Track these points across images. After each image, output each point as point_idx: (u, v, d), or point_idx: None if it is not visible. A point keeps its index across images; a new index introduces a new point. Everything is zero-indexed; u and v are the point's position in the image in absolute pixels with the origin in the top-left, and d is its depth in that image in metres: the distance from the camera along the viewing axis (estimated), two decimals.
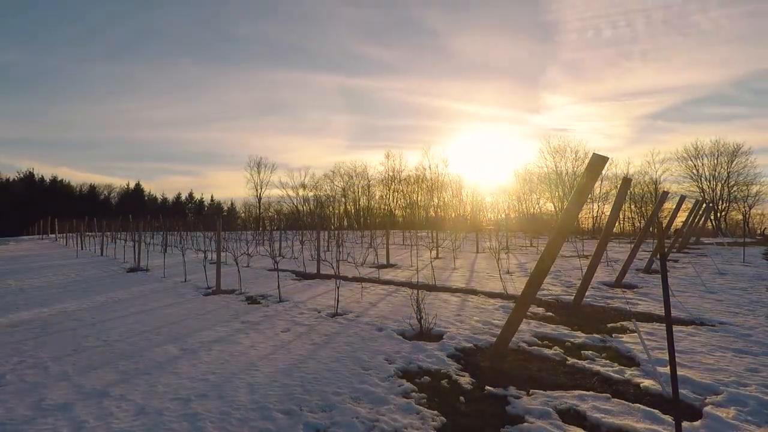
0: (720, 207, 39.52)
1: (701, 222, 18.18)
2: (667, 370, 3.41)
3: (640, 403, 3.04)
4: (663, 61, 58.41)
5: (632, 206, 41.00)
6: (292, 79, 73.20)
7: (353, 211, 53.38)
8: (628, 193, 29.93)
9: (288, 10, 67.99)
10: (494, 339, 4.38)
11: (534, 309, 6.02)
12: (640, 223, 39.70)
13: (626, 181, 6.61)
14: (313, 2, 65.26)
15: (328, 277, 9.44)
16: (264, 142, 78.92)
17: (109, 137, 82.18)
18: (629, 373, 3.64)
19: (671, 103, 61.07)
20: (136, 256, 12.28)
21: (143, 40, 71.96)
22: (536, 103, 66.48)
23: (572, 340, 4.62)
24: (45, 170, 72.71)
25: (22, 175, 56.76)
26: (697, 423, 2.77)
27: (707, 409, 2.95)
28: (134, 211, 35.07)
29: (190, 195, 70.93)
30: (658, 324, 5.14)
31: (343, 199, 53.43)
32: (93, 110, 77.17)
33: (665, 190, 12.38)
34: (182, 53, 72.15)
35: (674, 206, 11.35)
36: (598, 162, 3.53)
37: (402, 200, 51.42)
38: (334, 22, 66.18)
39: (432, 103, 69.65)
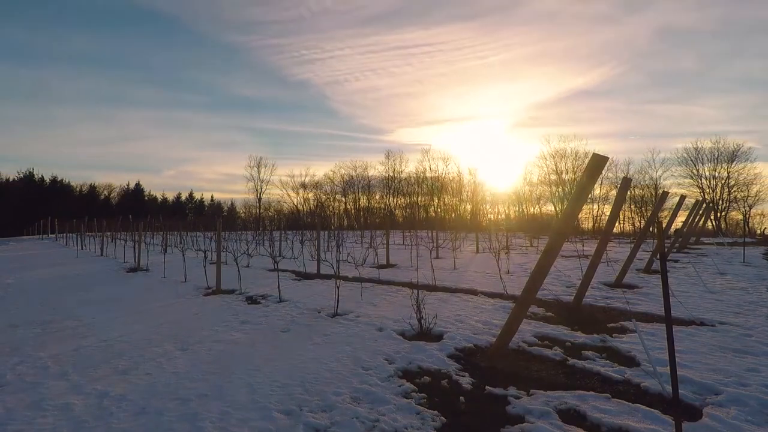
0: (720, 207, 39.53)
1: (701, 222, 18.18)
2: (667, 370, 3.40)
3: (640, 403, 3.04)
4: None
5: (632, 206, 41.01)
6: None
7: (353, 211, 53.39)
8: (628, 193, 29.92)
9: None
10: (494, 339, 4.38)
11: (534, 309, 6.01)
12: (640, 223, 39.71)
13: (626, 181, 6.61)
14: None
15: (328, 277, 9.44)
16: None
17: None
18: (629, 373, 3.64)
19: None
20: (136, 256, 12.28)
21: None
22: None
23: (572, 340, 4.62)
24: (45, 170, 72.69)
25: (22, 175, 56.84)
26: (697, 423, 2.77)
27: (707, 409, 2.96)
28: (134, 211, 35.12)
29: (190, 195, 71.06)
30: (658, 324, 5.14)
31: (343, 199, 53.46)
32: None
33: (665, 190, 12.40)
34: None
35: (674, 206, 11.35)
36: (598, 162, 3.53)
37: (402, 200, 51.45)
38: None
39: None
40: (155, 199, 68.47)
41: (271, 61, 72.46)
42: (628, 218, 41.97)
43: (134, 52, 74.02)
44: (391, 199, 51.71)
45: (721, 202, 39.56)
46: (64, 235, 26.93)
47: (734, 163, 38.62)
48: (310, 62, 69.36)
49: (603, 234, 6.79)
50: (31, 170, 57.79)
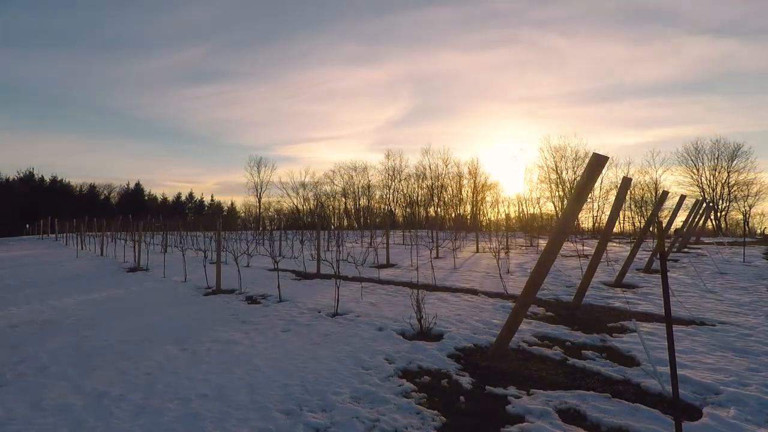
0: (720, 207, 39.53)
1: (701, 222, 18.17)
2: (667, 369, 3.40)
3: (640, 403, 3.04)
4: None
5: (632, 206, 40.99)
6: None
7: (353, 210, 53.37)
8: (628, 193, 29.92)
9: None
10: (494, 339, 4.38)
11: (534, 309, 6.02)
12: (640, 223, 39.69)
13: (626, 180, 6.60)
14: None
15: (328, 276, 9.44)
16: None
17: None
18: (629, 372, 3.64)
19: None
20: (136, 256, 12.28)
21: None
22: None
23: (572, 339, 4.62)
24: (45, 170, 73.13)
25: (22, 175, 56.83)
26: (697, 423, 2.77)
27: (707, 409, 2.96)
28: (134, 211, 35.13)
29: (190, 195, 71.07)
30: (658, 324, 5.14)
31: (343, 199, 53.42)
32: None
33: (665, 189, 12.38)
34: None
35: (674, 206, 11.35)
36: (598, 162, 3.53)
37: (402, 200, 51.42)
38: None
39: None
40: (155, 198, 68.48)
41: None
42: (628, 218, 41.96)
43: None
44: (391, 198, 51.72)
45: (721, 201, 39.56)
46: (64, 234, 26.92)
47: (734, 162, 38.66)
48: None
49: (603, 234, 6.79)
50: (31, 170, 57.87)
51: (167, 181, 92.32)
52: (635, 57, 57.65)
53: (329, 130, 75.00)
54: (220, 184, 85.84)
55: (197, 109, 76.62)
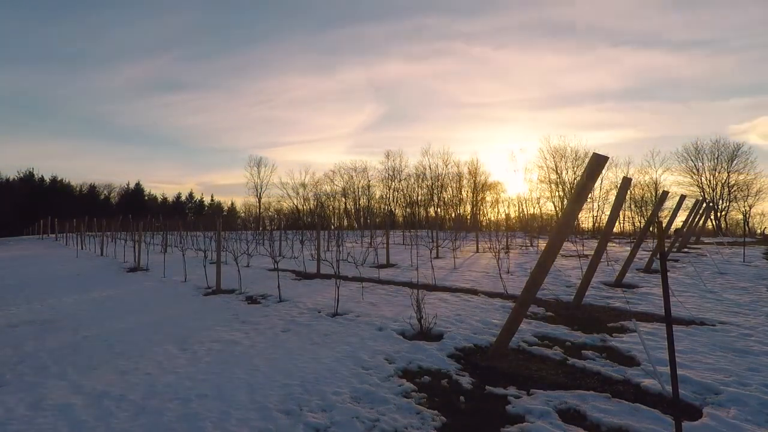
0: (720, 207, 39.52)
1: (701, 222, 18.18)
2: (667, 369, 3.40)
3: (640, 403, 3.04)
4: None
5: (632, 206, 40.98)
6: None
7: (353, 210, 53.35)
8: (628, 193, 29.91)
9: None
10: (494, 339, 4.38)
11: (534, 309, 6.01)
12: (640, 223, 39.68)
13: (626, 180, 6.60)
14: None
15: (328, 276, 9.44)
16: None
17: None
18: (629, 373, 3.64)
19: None
20: (136, 256, 12.28)
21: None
22: None
23: (572, 339, 4.62)
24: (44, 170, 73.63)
25: (22, 175, 56.82)
26: (697, 423, 2.77)
27: (707, 409, 2.96)
28: (134, 211, 35.11)
29: (190, 195, 71.02)
30: (658, 324, 5.14)
31: (343, 199, 53.39)
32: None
33: (665, 189, 12.39)
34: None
35: (674, 206, 11.35)
36: (598, 162, 3.53)
37: (402, 200, 51.40)
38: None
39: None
40: (155, 198, 68.47)
41: None
42: (628, 218, 41.95)
43: None
44: (391, 198, 51.70)
45: (721, 201, 39.56)
46: (64, 234, 26.92)
47: (734, 162, 38.66)
48: None
49: (603, 234, 6.79)
50: (31, 170, 57.87)
51: (150, 182, 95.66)
52: (569, 66, 61.67)
53: (300, 135, 78.44)
54: (201, 184, 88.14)
55: (169, 115, 79.84)
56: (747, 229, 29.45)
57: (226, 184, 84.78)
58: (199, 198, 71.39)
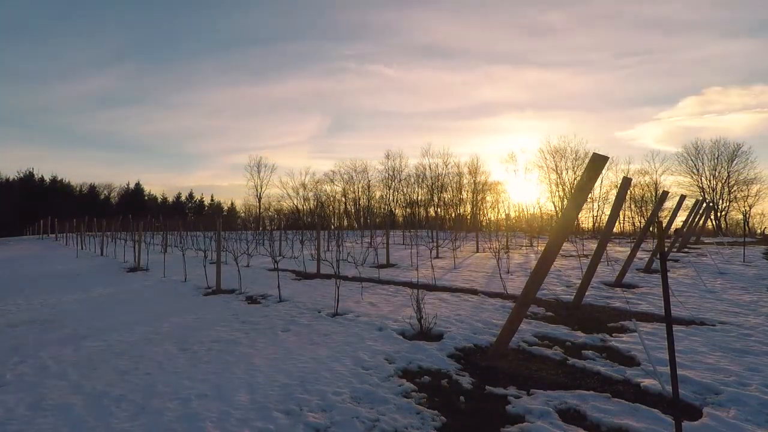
0: (720, 207, 39.52)
1: (701, 222, 18.17)
2: (667, 369, 3.40)
3: (640, 403, 3.04)
4: None
5: (632, 206, 40.99)
6: None
7: (353, 210, 53.34)
8: (628, 193, 29.88)
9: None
10: (494, 339, 4.38)
11: (534, 309, 6.01)
12: (640, 223, 39.68)
13: (626, 180, 6.60)
14: None
15: (328, 276, 9.44)
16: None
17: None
18: (629, 373, 3.64)
19: None
20: (136, 256, 12.28)
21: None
22: None
23: (572, 339, 4.62)
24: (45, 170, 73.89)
25: (22, 175, 56.82)
26: (697, 423, 2.77)
27: (707, 409, 2.96)
28: (134, 211, 35.12)
29: (190, 195, 71.01)
30: (658, 324, 5.14)
31: (343, 199, 53.39)
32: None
33: (665, 189, 12.39)
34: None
35: (674, 206, 11.35)
36: (598, 161, 3.53)
37: (402, 200, 51.39)
38: None
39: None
40: (155, 198, 68.46)
41: None
42: (628, 218, 41.95)
43: None
44: (391, 198, 51.69)
45: (721, 202, 39.56)
46: (64, 234, 26.92)
47: (734, 162, 38.66)
48: None
49: (603, 234, 6.79)
50: (31, 170, 57.86)
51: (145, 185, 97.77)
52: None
53: (264, 141, 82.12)
54: (174, 188, 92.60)
55: (131, 126, 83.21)
56: (747, 229, 29.44)
57: (217, 185, 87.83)
58: (199, 198, 71.42)
